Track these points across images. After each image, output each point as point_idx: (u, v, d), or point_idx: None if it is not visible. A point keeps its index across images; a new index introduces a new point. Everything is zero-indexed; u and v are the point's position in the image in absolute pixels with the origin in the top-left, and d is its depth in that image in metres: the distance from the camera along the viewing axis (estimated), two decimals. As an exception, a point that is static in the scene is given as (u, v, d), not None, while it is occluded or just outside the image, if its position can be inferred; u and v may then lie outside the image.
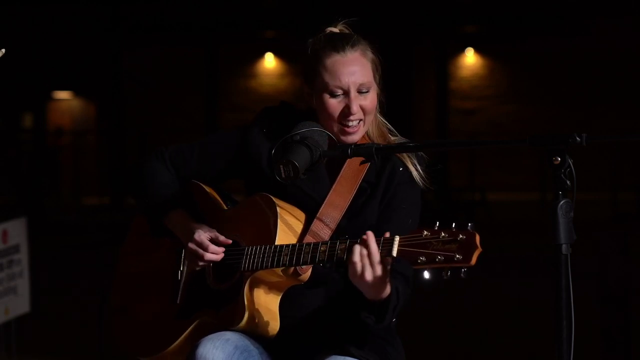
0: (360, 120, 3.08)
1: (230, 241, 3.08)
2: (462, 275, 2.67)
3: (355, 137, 3.09)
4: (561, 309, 2.60)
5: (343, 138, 3.09)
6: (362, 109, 3.08)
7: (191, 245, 3.08)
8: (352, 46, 3.09)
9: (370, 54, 3.13)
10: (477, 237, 2.66)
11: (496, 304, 8.66)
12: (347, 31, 3.17)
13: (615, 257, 5.78)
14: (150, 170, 3.25)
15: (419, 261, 2.69)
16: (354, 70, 3.07)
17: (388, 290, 2.86)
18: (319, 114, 3.11)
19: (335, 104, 3.07)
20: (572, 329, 2.60)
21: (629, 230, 5.97)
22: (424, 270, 2.70)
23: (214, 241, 3.08)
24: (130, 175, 3.31)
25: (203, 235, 3.07)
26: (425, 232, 2.71)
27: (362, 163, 3.05)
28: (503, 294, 9.49)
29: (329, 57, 3.08)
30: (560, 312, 2.60)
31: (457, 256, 2.65)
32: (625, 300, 5.80)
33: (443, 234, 2.68)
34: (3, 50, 2.81)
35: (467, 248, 2.65)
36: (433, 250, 2.68)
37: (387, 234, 2.80)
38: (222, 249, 3.07)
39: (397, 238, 2.75)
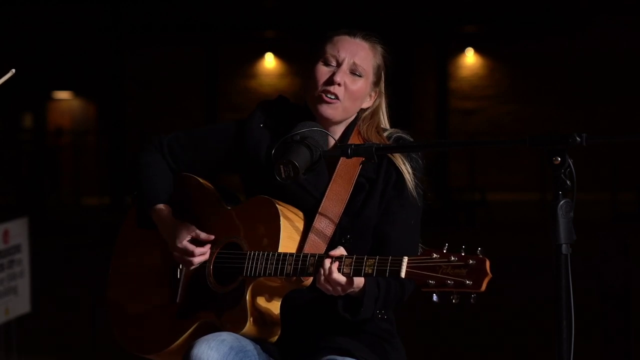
0: (338, 98, 3.08)
1: (212, 237, 3.09)
2: (471, 300, 2.66)
3: (329, 111, 3.08)
4: (561, 309, 2.60)
5: (319, 106, 3.09)
6: (345, 87, 3.08)
7: (176, 254, 3.10)
8: (365, 37, 3.16)
9: (379, 55, 3.17)
10: (488, 263, 2.67)
11: (496, 304, 8.65)
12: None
13: (615, 257, 5.78)
14: (145, 160, 3.24)
15: (428, 283, 2.68)
16: (355, 51, 3.12)
17: (359, 285, 2.89)
18: (306, 85, 3.13)
19: (324, 70, 3.10)
20: (572, 329, 2.60)
21: (629, 230, 5.96)
22: (432, 294, 2.68)
23: (195, 240, 3.09)
24: (128, 163, 3.31)
25: (185, 240, 3.08)
26: (435, 255, 2.69)
27: (362, 163, 3.05)
28: (503, 294, 9.48)
29: (339, 35, 3.16)
30: (560, 312, 2.60)
31: (468, 281, 2.64)
32: (625, 300, 5.80)
33: (453, 258, 2.67)
34: (13, 70, 2.85)
35: (477, 274, 2.65)
36: (443, 274, 2.67)
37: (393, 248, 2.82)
38: (207, 247, 3.08)
39: (405, 259, 2.74)
